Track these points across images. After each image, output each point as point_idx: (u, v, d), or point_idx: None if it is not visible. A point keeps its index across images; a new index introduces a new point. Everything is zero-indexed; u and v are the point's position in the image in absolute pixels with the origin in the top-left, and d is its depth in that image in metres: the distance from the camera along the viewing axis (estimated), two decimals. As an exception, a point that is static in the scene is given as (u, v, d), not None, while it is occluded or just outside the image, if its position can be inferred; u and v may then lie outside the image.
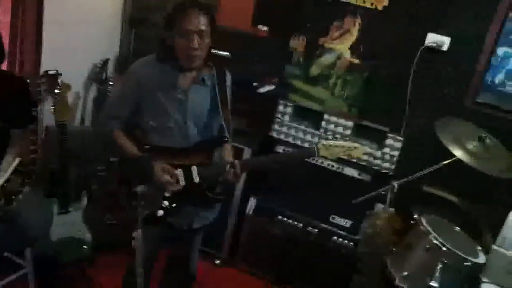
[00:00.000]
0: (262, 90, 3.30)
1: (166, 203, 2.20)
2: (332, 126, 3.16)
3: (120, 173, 2.31)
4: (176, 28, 2.08)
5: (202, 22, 2.08)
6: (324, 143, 2.23)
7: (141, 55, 2.27)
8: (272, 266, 3.36)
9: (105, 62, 3.57)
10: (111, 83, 3.55)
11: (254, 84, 3.26)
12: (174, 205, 2.21)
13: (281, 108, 3.25)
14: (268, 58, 3.46)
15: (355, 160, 3.11)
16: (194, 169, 2.21)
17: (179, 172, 2.19)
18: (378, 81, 3.35)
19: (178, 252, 2.57)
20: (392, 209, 3.20)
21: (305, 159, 3.13)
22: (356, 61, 3.37)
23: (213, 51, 2.24)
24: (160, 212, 2.19)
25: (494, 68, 3.17)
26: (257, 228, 3.35)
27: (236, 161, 2.19)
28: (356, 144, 2.27)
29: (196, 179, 2.21)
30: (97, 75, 3.55)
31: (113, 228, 3.19)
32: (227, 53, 2.32)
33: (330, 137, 3.13)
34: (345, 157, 2.34)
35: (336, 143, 2.25)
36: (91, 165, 3.21)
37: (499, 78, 3.17)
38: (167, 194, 2.19)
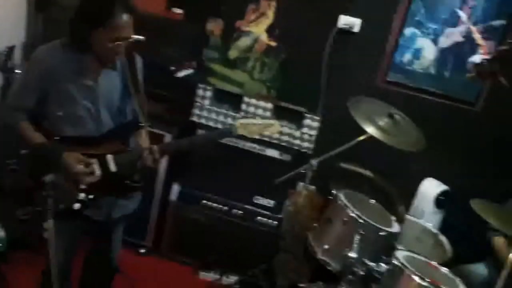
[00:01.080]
0: (180, 74, 3.26)
1: (82, 195, 2.11)
2: (252, 109, 3.20)
3: (31, 166, 2.20)
4: (103, 31, 1.98)
5: (129, 24, 2.01)
6: (241, 121, 2.25)
7: (51, 41, 2.15)
8: (198, 251, 3.37)
9: (11, 49, 3.34)
10: (17, 71, 3.34)
11: (171, 68, 3.21)
12: (91, 197, 2.13)
13: (200, 92, 3.23)
14: (184, 42, 3.42)
15: (276, 141, 3.17)
16: (109, 157, 2.14)
17: (93, 161, 2.12)
18: (294, 63, 3.43)
19: (98, 244, 2.49)
20: (312, 187, 3.32)
21: (227, 142, 3.18)
22: (273, 43, 3.41)
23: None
24: (77, 205, 2.10)
25: (402, 48, 3.34)
26: (181, 214, 3.33)
27: (154, 146, 2.15)
28: (272, 121, 2.30)
29: (113, 168, 2.14)
30: (2, 64, 3.32)
31: (26, 224, 3.03)
32: (141, 37, 2.25)
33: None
34: (264, 135, 2.37)
35: (253, 121, 2.27)
36: (1, 159, 3.02)
37: (407, 57, 3.35)
38: (83, 186, 2.11)
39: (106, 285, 2.59)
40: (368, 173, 3.36)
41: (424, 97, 3.38)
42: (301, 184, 3.20)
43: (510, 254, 2.59)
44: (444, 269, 2.42)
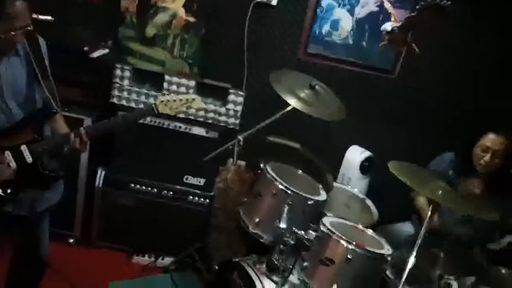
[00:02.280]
0: (95, 55, 3.11)
1: (-1, 191, 2.00)
2: (174, 87, 3.13)
3: None
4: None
5: (23, 12, 1.88)
6: (162, 99, 2.19)
7: None
8: (130, 236, 3.30)
9: None
10: None
11: (85, 49, 3.06)
12: (9, 191, 2.01)
13: (118, 72, 3.11)
14: (98, 21, 3.26)
15: (201, 119, 3.13)
16: (24, 148, 2.02)
17: (7, 154, 1.99)
18: (215, 39, 3.38)
19: (25, 240, 2.37)
20: (242, 162, 3.33)
21: (151, 122, 3.10)
22: (192, 19, 3.34)
23: (34, 15, 2.03)
24: (-7, 202, 1.98)
25: (320, 19, 3.38)
26: (109, 201, 3.23)
27: (81, 128, 2.06)
28: (193, 95, 2.26)
29: (29, 159, 2.02)
30: None
31: None
32: (50, 17, 2.12)
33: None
34: (186, 111, 2.33)
35: (174, 97, 2.22)
36: None
37: (325, 29, 3.40)
38: (-2, 181, 1.98)
39: (36, 283, 2.49)
40: (295, 144, 3.41)
41: (344, 67, 3.46)
42: (230, 160, 3.20)
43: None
44: (370, 231, 2.52)
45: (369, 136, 3.59)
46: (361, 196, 3.17)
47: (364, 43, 3.40)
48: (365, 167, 3.45)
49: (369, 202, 3.10)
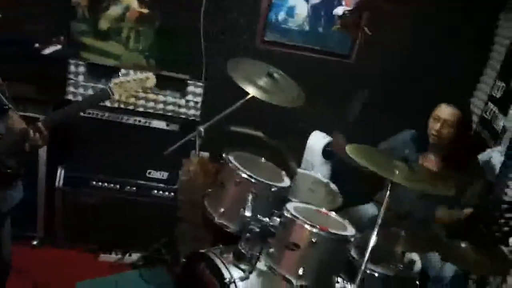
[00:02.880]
0: (47, 51, 3.03)
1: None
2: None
3: None
4: None
5: None
6: (116, 81, 2.17)
7: None
8: (95, 235, 3.24)
9: None
10: None
11: (36, 45, 2.97)
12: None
13: (72, 68, 3.04)
14: (49, 16, 3.16)
15: (161, 112, 3.10)
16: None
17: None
18: (171, 30, 3.33)
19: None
20: (205, 154, 3.32)
21: (110, 118, 3.05)
22: (145, 10, 3.28)
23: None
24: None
25: (276, 7, 3.38)
26: (71, 199, 3.17)
27: (38, 122, 2.01)
28: (147, 74, 2.25)
29: (-16, 158, 1.96)
30: None
31: None
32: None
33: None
34: (141, 91, 2.31)
35: (127, 78, 2.20)
36: None
37: (281, 16, 3.41)
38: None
39: (2, 284, 2.42)
40: (258, 133, 3.42)
41: (302, 54, 3.48)
42: (193, 152, 3.18)
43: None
44: (333, 214, 2.56)
45: (330, 121, 3.63)
46: (325, 180, 3.20)
47: (320, 29, 3.43)
48: (327, 152, 3.49)
49: (333, 186, 3.14)
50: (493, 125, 3.26)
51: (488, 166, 3.13)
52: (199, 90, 3.13)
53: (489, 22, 3.48)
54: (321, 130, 3.59)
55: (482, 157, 3.23)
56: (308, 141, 3.60)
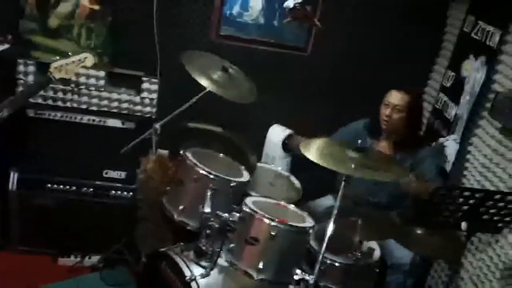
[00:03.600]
0: (-7, 51, 2.93)
1: None
2: (83, 79, 3.00)
3: None
4: None
5: None
6: (55, 65, 2.20)
7: None
8: (53, 238, 3.15)
9: None
10: None
11: (-20, 45, 2.87)
12: None
13: (21, 68, 2.95)
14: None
15: (116, 110, 3.04)
16: None
17: None
18: (124, 25, 3.27)
19: None
20: (164, 151, 3.28)
21: (64, 118, 2.97)
22: (96, 6, 3.20)
23: None
24: None
25: (230, 0, 3.36)
26: (27, 203, 3.07)
27: None
28: (85, 54, 2.30)
29: None
30: None
31: None
32: None
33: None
34: (81, 70, 2.35)
35: (66, 60, 2.25)
36: None
37: (236, 9, 3.39)
38: None
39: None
40: (217, 128, 3.40)
41: (258, 47, 3.48)
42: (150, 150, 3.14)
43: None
44: (292, 207, 2.58)
45: (289, 114, 3.65)
46: (285, 173, 3.22)
47: (275, 22, 3.43)
48: (287, 145, 3.50)
49: (293, 178, 3.17)
50: (445, 114, 3.34)
51: (444, 155, 3.22)
52: (154, 87, 3.09)
53: (440, 12, 3.56)
54: (280, 124, 3.60)
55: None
56: (267, 135, 3.60)
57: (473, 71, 3.10)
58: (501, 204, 2.20)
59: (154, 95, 3.09)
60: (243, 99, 2.74)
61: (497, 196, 2.19)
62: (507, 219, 2.30)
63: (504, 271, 2.56)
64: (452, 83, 3.33)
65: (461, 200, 2.19)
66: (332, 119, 3.47)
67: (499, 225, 2.34)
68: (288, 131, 3.52)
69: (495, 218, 2.28)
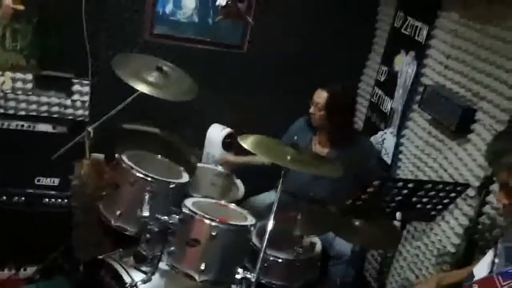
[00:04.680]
0: None
1: None
2: (9, 83, 2.84)
3: None
4: None
5: None
6: None
7: None
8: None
9: None
10: None
11: None
12: None
13: None
14: None
15: (45, 114, 2.91)
16: None
17: None
18: (51, 26, 3.12)
19: None
20: (100, 155, 3.17)
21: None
22: (20, 7, 3.03)
23: None
24: None
25: (162, -1, 3.30)
26: (-49, 216, 2.89)
27: None
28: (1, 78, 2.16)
29: None
30: None
31: None
32: None
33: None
34: None
35: None
36: None
37: (169, 8, 3.33)
38: None
39: None
40: (154, 129, 3.34)
41: (193, 46, 3.43)
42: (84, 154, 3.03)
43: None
44: (233, 205, 2.57)
45: (228, 112, 3.63)
46: (227, 172, 3.21)
47: (209, 20, 3.40)
48: (227, 143, 3.49)
49: (234, 177, 3.16)
50: (381, 108, 3.44)
51: (383, 148, 3.32)
52: (86, 89, 2.97)
53: (371, 8, 3.66)
54: (220, 123, 3.58)
55: (375, 139, 3.41)
56: (207, 134, 3.57)
57: (405, 65, 3.20)
58: (432, 193, 2.29)
59: (86, 98, 2.97)
60: (184, 96, 2.70)
61: (428, 186, 2.28)
62: (439, 207, 2.39)
63: (438, 257, 2.67)
64: (386, 77, 3.43)
65: (395, 191, 2.26)
66: (271, 116, 3.50)
67: (432, 213, 2.43)
68: (227, 130, 3.51)
69: (428, 206, 2.37)
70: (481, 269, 1.68)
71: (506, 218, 2.03)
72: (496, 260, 1.63)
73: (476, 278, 1.67)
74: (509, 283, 1.49)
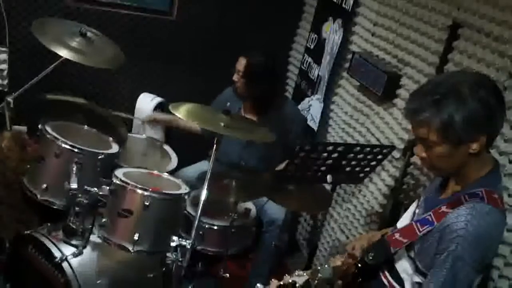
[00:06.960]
0: None
1: None
2: None
3: None
4: None
5: None
6: None
7: None
8: None
9: None
10: None
11: None
12: None
13: None
14: None
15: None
16: None
17: None
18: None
19: None
20: (21, 127, 3.00)
21: None
22: None
23: None
24: None
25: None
26: None
27: None
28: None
29: None
30: None
31: None
32: None
33: None
34: None
35: None
36: None
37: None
38: None
39: None
40: (80, 100, 3.19)
41: (118, 11, 3.28)
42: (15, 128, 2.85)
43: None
44: (166, 175, 2.53)
45: (157, 81, 3.54)
46: (158, 142, 3.15)
47: (136, -14, 3.26)
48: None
49: (167, 147, 3.10)
50: (309, 75, 3.49)
51: (309, 114, 3.38)
52: (3, 56, 2.78)
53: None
54: (149, 92, 3.48)
55: (302, 106, 3.46)
56: (136, 104, 3.47)
57: (332, 33, 3.25)
58: (361, 155, 2.37)
59: (4, 66, 2.79)
60: (109, 63, 2.59)
61: (357, 149, 2.36)
62: (367, 169, 2.49)
63: (367, 218, 2.80)
64: (315, 45, 3.47)
65: (325, 155, 2.32)
66: (201, 85, 3.45)
67: (361, 175, 2.53)
68: (158, 99, 3.42)
69: (357, 169, 2.46)
70: (404, 222, 1.78)
71: (427, 170, 2.14)
72: (417, 211, 1.74)
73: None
74: (426, 227, 1.59)
